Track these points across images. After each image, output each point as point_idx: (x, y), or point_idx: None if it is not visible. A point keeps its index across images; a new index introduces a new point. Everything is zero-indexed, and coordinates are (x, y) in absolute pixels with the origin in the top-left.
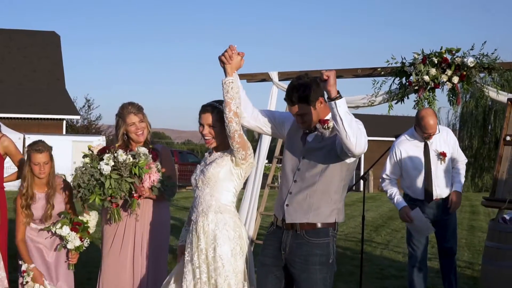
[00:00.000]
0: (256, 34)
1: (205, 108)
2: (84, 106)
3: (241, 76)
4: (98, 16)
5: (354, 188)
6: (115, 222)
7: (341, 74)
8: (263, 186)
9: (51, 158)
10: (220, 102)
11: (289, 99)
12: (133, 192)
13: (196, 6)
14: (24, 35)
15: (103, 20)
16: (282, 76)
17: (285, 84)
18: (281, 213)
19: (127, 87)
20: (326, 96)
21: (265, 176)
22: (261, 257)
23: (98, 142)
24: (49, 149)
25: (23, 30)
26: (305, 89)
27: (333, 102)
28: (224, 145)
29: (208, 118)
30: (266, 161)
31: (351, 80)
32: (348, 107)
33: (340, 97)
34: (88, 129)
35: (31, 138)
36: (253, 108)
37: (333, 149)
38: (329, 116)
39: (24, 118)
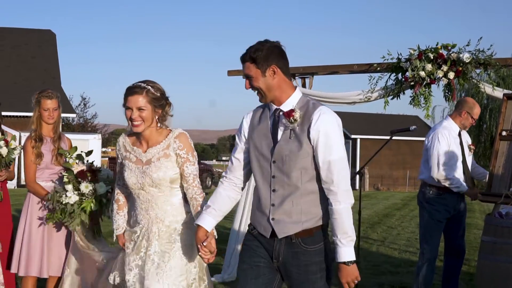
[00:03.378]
0: (252, 32)
1: (132, 90)
2: (80, 104)
3: (238, 72)
4: (94, 14)
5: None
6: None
7: (337, 70)
8: None
9: (59, 105)
10: (147, 82)
11: (241, 56)
12: None
13: (192, 5)
14: (18, 33)
15: (99, 18)
16: None
17: None
18: (269, 228)
19: (123, 86)
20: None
21: None
22: (247, 258)
23: (94, 140)
24: (58, 96)
25: (17, 28)
26: (256, 49)
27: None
28: (152, 129)
29: (137, 100)
30: None
31: (347, 76)
32: (344, 103)
33: (351, 261)
34: (84, 127)
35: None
36: (234, 177)
37: (308, 148)
38: (293, 104)
39: (20, 116)
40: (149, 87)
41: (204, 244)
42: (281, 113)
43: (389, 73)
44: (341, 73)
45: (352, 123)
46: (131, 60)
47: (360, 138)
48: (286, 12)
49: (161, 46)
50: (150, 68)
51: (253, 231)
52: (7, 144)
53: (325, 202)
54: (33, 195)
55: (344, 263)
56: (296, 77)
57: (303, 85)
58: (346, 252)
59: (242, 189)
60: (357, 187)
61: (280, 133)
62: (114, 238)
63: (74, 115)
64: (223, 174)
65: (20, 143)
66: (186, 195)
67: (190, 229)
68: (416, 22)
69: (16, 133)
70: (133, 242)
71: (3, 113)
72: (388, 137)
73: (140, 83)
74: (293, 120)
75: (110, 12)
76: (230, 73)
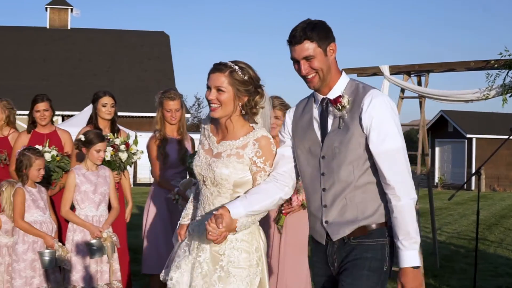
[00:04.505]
0: (366, 27)
1: (216, 67)
2: (194, 104)
3: (352, 71)
4: (206, 15)
5: (465, 187)
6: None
7: (453, 67)
8: None
9: (181, 106)
10: (237, 62)
11: (293, 36)
12: (282, 209)
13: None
14: (134, 35)
15: (211, 18)
16: (394, 70)
17: (397, 78)
18: (323, 233)
19: None
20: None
21: None
22: (314, 277)
23: None
24: (180, 97)
25: (133, 30)
26: (314, 26)
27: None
28: (233, 120)
29: (218, 79)
30: None
31: (463, 74)
32: (461, 101)
33: (415, 266)
34: (198, 127)
35: (143, 136)
36: (277, 173)
37: (360, 138)
38: (340, 90)
39: (136, 117)
40: (237, 67)
41: (212, 215)
42: (328, 101)
43: (507, 70)
44: (457, 71)
45: (468, 122)
46: (244, 57)
47: (476, 138)
48: (400, 7)
49: (276, 43)
50: (267, 67)
51: (313, 240)
52: (128, 148)
53: (382, 197)
54: (152, 193)
55: (407, 268)
56: (412, 75)
57: (419, 83)
58: (409, 256)
59: (290, 187)
60: (473, 187)
61: (329, 124)
62: (178, 225)
63: (188, 115)
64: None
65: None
66: None
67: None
68: None
69: (132, 133)
70: (188, 241)
71: (120, 114)
72: (506, 137)
73: (227, 62)
74: (340, 107)
75: (222, 13)
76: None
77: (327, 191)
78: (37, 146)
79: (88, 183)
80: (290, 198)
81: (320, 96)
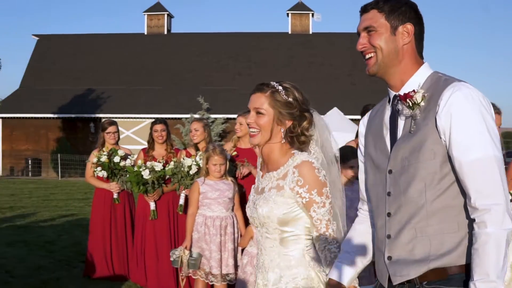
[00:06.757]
0: None
1: (257, 87)
2: None
3: None
4: (437, 14)
5: None
6: None
7: None
8: None
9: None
10: (283, 82)
11: (363, 6)
12: None
13: None
14: (322, 38)
15: (440, 18)
16: None
17: None
18: (385, 272)
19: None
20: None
21: None
22: None
23: None
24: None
25: (321, 33)
26: None
27: None
28: (273, 146)
29: (258, 100)
30: None
31: None
32: None
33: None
34: None
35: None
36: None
37: (435, 145)
38: (419, 84)
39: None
40: (280, 87)
41: None
42: (399, 99)
43: None
44: None
45: None
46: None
47: None
48: None
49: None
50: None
51: (376, 279)
52: None
53: (466, 229)
54: None
55: None
56: None
57: None
58: None
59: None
60: None
61: (399, 128)
62: None
63: None
64: (359, 205)
65: None
66: (314, 247)
67: None
68: None
69: None
70: None
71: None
72: None
73: (271, 82)
74: (411, 104)
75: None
76: None
77: (392, 216)
78: None
79: None
80: None
81: (392, 93)
